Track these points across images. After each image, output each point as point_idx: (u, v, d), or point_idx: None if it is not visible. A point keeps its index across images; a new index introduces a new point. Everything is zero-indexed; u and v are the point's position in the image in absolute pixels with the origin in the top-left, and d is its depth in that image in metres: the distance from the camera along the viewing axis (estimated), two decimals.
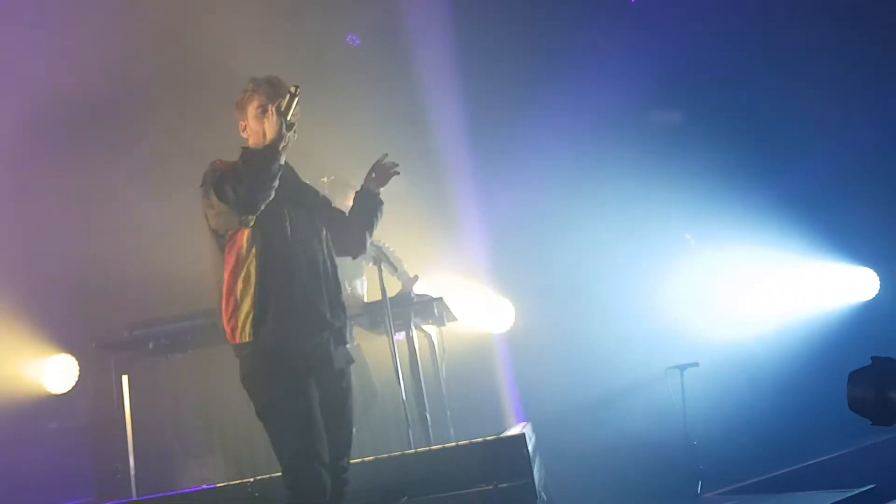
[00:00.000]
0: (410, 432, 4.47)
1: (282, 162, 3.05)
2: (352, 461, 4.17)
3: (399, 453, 4.13)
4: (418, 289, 4.98)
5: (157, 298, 5.46)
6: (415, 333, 4.92)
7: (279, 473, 4.44)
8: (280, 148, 3.02)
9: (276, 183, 3.00)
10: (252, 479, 4.06)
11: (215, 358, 5.38)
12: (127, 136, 6.17)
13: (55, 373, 6.30)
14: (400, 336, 4.86)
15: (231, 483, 4.16)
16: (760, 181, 6.29)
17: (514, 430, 4.37)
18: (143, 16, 5.80)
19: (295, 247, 3.08)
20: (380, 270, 4.71)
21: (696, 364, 5.63)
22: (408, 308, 4.86)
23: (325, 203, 3.40)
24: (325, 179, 5.00)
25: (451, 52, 6.22)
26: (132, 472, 4.65)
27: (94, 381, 5.97)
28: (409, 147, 6.28)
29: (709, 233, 6.15)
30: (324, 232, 3.26)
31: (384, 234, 4.87)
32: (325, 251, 3.21)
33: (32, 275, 5.98)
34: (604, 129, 6.25)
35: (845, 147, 6.32)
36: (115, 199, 6.00)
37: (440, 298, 4.99)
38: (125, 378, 4.82)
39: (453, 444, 4.17)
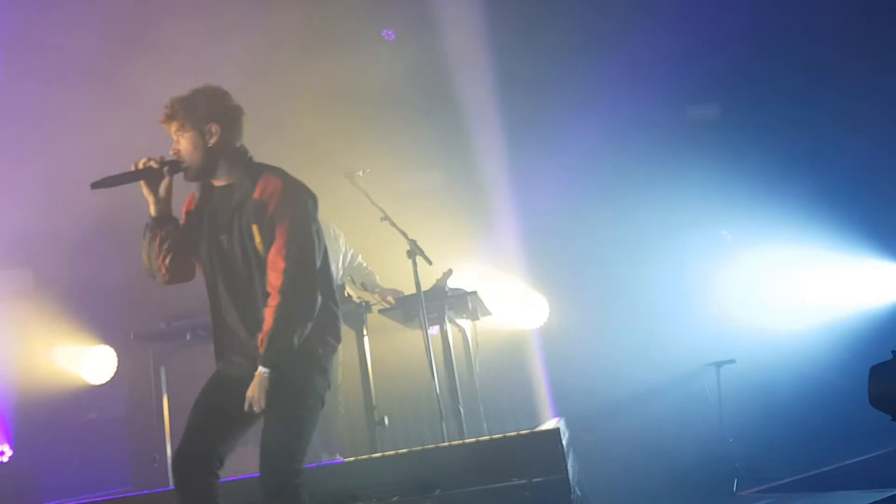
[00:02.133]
0: (444, 425, 4.48)
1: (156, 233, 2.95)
2: (386, 454, 4.24)
3: (433, 446, 4.14)
4: (452, 283, 4.99)
5: (194, 291, 5.50)
6: (448, 327, 4.94)
7: (317, 464, 4.52)
8: (153, 221, 2.95)
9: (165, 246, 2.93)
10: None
11: None
12: None
13: (95, 364, 6.42)
14: (433, 330, 4.88)
15: (250, 476, 4.18)
16: (799, 177, 6.20)
17: (548, 425, 4.35)
18: None
19: (215, 277, 2.99)
20: (414, 264, 4.72)
21: (732, 361, 5.58)
22: (442, 302, 4.87)
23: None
24: (361, 173, 5.01)
25: (486, 45, 6.21)
26: (169, 461, 4.71)
27: (132, 371, 6.06)
28: (444, 141, 6.31)
29: (746, 229, 6.07)
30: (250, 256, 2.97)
31: (418, 229, 4.89)
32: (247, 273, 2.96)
33: (74, 268, 6.07)
34: (642, 123, 6.21)
35: (883, 144, 6.22)
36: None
37: (474, 292, 4.99)
38: (162, 369, 4.89)
39: (487, 437, 4.17)
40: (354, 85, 6.01)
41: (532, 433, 3.98)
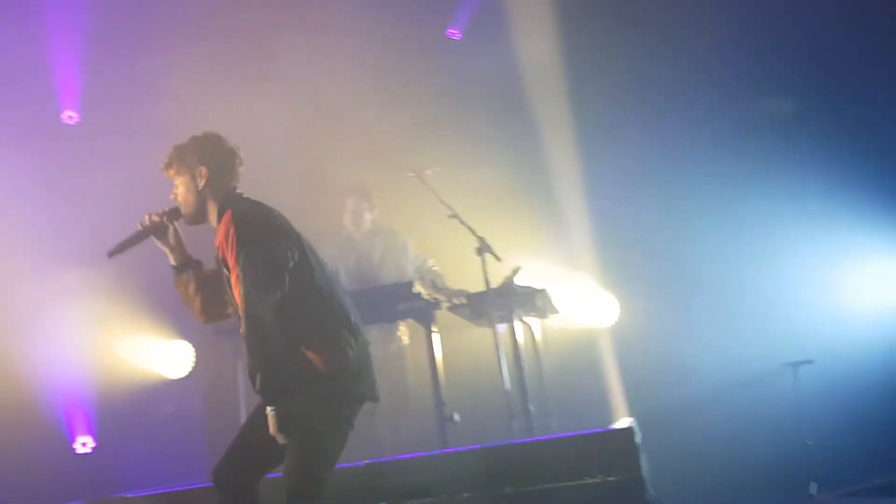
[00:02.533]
0: (514, 423, 4.48)
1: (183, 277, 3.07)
2: (457, 450, 4.27)
3: (504, 443, 4.14)
4: (521, 280, 4.98)
5: None
6: (517, 325, 4.93)
7: (391, 458, 4.57)
8: (175, 270, 3.08)
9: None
10: (363, 463, 4.16)
11: None
12: None
13: (173, 358, 6.61)
14: (501, 328, 4.88)
15: (342, 466, 4.26)
16: (881, 173, 5.99)
17: (621, 424, 4.32)
18: None
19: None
20: (483, 262, 4.74)
21: (810, 361, 5.44)
22: (510, 299, 4.87)
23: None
24: (430, 171, 5.05)
25: (557, 42, 6.18)
26: None
27: (209, 366, 6.22)
28: (513, 137, 6.30)
29: (826, 226, 5.89)
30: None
31: (487, 226, 4.90)
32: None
33: (154, 264, 6.25)
34: (717, 119, 6.09)
35: None
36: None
37: (543, 290, 4.98)
38: (239, 364, 5.00)
39: (559, 435, 4.15)
40: (425, 84, 6.06)
41: (606, 431, 3.96)
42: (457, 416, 4.56)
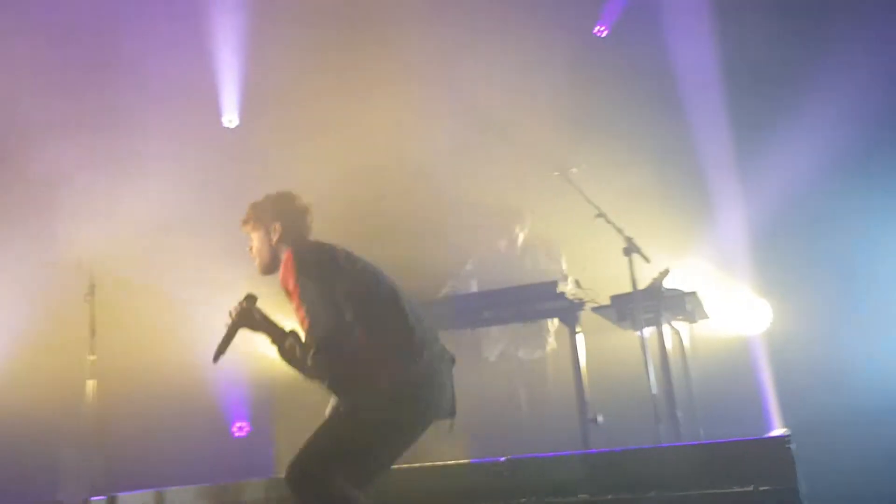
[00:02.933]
0: (660, 428, 4.38)
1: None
2: (600, 452, 4.21)
3: (650, 447, 4.05)
4: (669, 283, 4.86)
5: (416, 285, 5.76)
6: (665, 329, 4.81)
7: (532, 455, 4.57)
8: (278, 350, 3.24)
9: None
10: (504, 459, 4.18)
11: (452, 343, 5.61)
12: None
13: None
14: (646, 331, 4.78)
15: (483, 461, 4.30)
16: None
17: (775, 432, 4.13)
18: None
19: None
20: (630, 262, 4.66)
21: None
22: (658, 302, 4.75)
23: None
24: (575, 169, 5.01)
25: (709, 32, 5.99)
26: None
27: None
28: (661, 134, 6.15)
29: None
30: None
31: (634, 226, 4.82)
32: None
33: None
34: (882, 113, 5.72)
35: None
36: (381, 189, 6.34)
37: (693, 293, 4.83)
38: None
39: (709, 441, 4.02)
40: (572, 82, 6.02)
41: (759, 439, 3.79)
42: (600, 418, 4.51)
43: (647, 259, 4.68)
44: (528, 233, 5.75)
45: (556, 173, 4.98)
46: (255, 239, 3.35)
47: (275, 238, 3.31)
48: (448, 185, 5.94)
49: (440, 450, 5.59)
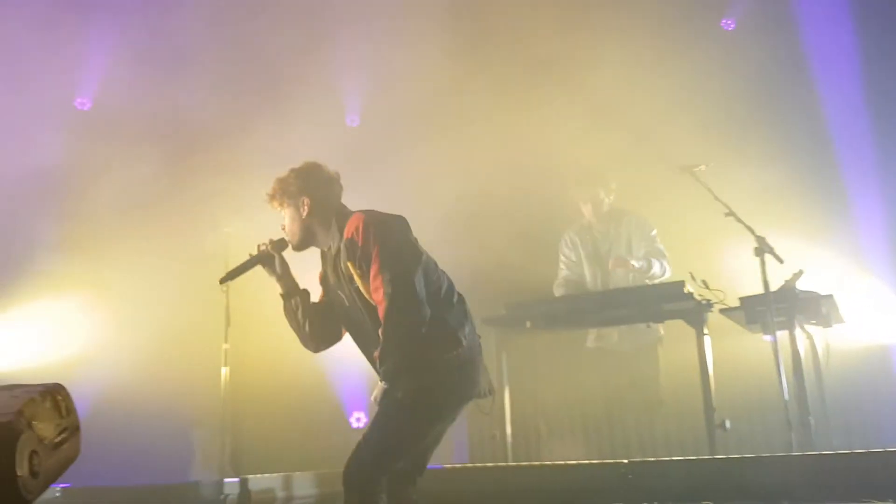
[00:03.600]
0: (793, 435, 4.21)
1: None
2: (730, 457, 4.09)
3: (781, 454, 3.91)
4: (803, 285, 4.66)
5: (535, 279, 5.76)
6: (797, 332, 4.62)
7: (653, 458, 4.49)
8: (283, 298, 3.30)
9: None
10: (626, 461, 4.12)
11: (582, 341, 5.58)
12: None
13: None
14: (771, 337, 4.60)
15: (605, 461, 4.26)
16: None
17: None
18: None
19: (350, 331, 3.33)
20: (762, 263, 4.51)
21: None
22: (791, 305, 4.56)
23: None
24: (703, 167, 4.87)
25: (846, 25, 5.70)
26: (508, 439, 4.97)
27: None
28: (795, 131, 5.92)
29: None
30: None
31: (767, 225, 4.65)
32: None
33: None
34: None
35: None
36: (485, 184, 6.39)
37: (829, 296, 4.62)
38: (504, 354, 5.15)
39: (845, 451, 3.83)
40: (694, 77, 5.86)
41: None
42: (728, 424, 4.37)
43: (779, 260, 4.50)
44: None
45: (683, 171, 4.85)
46: (286, 216, 3.27)
47: (304, 212, 3.22)
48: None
49: (562, 448, 5.61)
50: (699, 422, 4.50)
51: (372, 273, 3.00)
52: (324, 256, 3.31)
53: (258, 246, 3.33)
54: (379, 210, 3.22)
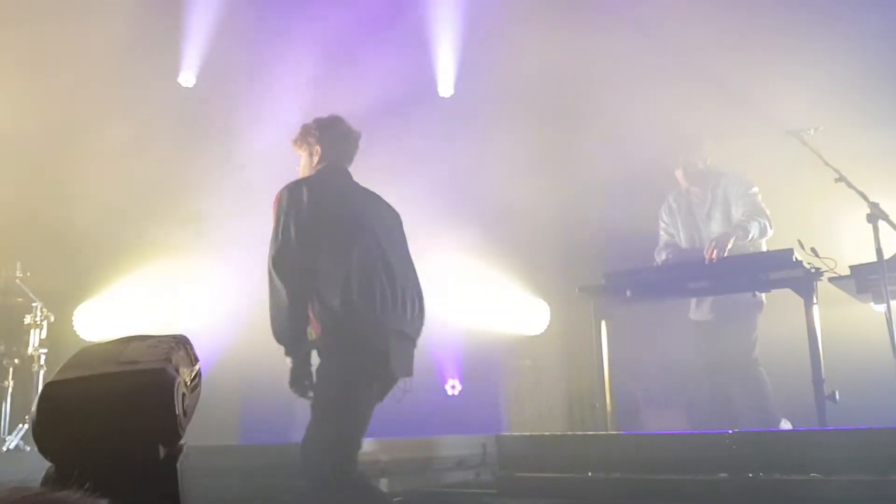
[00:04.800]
0: None
1: None
2: (840, 429, 3.99)
3: (895, 427, 3.79)
4: None
5: (634, 248, 5.70)
6: None
7: (760, 430, 4.41)
8: None
9: None
10: (731, 431, 4.07)
11: (682, 311, 5.51)
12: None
13: (531, 315, 7.02)
14: (884, 306, 4.43)
15: (708, 432, 4.22)
16: None
17: None
18: None
19: None
20: (875, 230, 4.35)
21: None
22: None
23: None
24: (812, 131, 4.71)
25: None
26: (608, 409, 4.97)
27: (567, 324, 6.48)
28: None
29: None
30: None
31: (879, 191, 4.47)
32: None
33: (519, 228, 6.67)
34: None
35: None
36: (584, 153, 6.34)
37: None
38: (603, 323, 5.14)
39: None
40: (802, 38, 5.64)
41: None
42: (837, 395, 4.26)
43: (894, 226, 4.33)
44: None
45: (790, 135, 4.70)
46: (301, 159, 3.51)
47: (315, 160, 3.45)
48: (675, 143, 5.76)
49: (662, 419, 5.58)
50: (807, 392, 4.41)
51: None
52: None
53: None
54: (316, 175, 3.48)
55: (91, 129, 6.12)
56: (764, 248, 5.15)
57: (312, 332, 3.30)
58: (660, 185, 5.71)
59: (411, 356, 3.46)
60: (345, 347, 3.25)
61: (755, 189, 5.28)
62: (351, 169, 3.62)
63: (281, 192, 3.33)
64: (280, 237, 3.23)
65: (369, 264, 3.33)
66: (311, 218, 3.26)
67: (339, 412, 3.23)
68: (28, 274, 5.59)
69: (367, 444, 4.80)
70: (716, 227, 5.30)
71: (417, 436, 5.32)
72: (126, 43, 6.15)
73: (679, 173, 5.48)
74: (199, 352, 1.21)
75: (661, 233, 5.61)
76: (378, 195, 3.65)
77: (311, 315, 3.26)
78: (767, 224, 5.14)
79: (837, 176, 4.51)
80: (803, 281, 4.46)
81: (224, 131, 6.29)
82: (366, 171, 3.65)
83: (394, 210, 3.69)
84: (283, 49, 6.51)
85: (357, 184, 3.58)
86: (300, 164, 3.54)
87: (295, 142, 3.54)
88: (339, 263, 3.26)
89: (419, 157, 6.40)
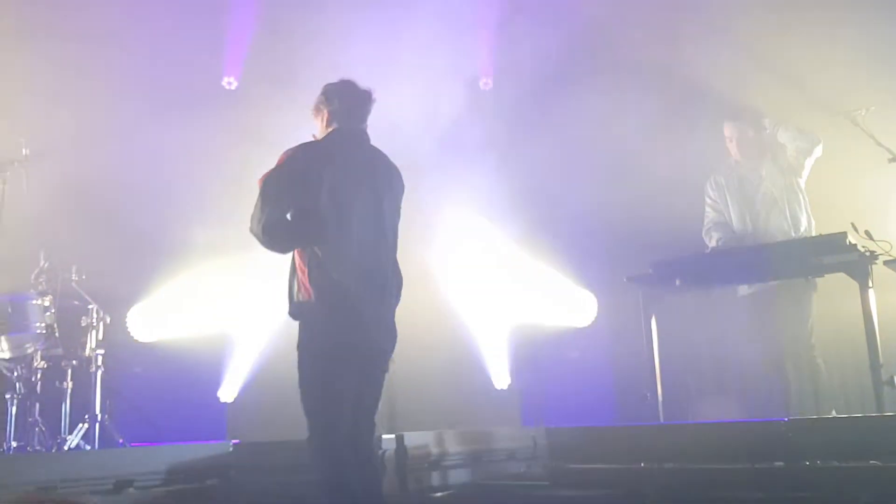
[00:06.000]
0: None
1: None
2: None
3: None
4: None
5: (676, 239, 5.62)
6: None
7: (815, 416, 4.32)
8: None
9: None
10: (785, 419, 4.01)
11: (733, 297, 5.42)
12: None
13: (579, 307, 6.98)
14: None
15: (763, 420, 4.16)
16: None
17: None
18: None
19: None
20: None
21: None
22: None
23: None
24: (864, 111, 4.59)
25: None
26: (660, 399, 4.93)
27: (616, 314, 6.42)
28: None
29: None
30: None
31: None
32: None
33: (558, 219, 6.64)
34: None
35: None
36: (624, 140, 6.26)
37: None
38: (653, 312, 5.09)
39: None
40: (854, 19, 5.50)
41: None
42: None
43: None
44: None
45: (842, 116, 4.61)
46: (317, 124, 3.52)
47: (324, 124, 3.47)
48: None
49: (715, 407, 5.51)
50: (864, 378, 4.32)
51: None
52: None
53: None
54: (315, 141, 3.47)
55: (142, 131, 6.26)
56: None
57: (301, 295, 3.30)
58: (706, 168, 5.61)
59: (395, 328, 3.43)
60: (334, 317, 3.23)
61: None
62: None
63: (283, 158, 3.35)
64: (270, 205, 3.26)
65: (366, 239, 3.36)
66: (303, 185, 3.29)
67: (320, 392, 3.21)
68: (84, 277, 5.74)
69: (419, 437, 4.85)
70: (767, 203, 5.19)
71: (468, 429, 5.34)
72: (174, 47, 6.29)
73: (733, 146, 5.36)
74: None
75: (708, 210, 5.47)
76: (387, 159, 3.61)
77: (304, 279, 3.26)
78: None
79: (891, 156, 4.42)
80: (858, 264, 4.37)
81: (270, 131, 6.38)
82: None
83: (399, 176, 3.65)
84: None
85: (368, 146, 3.56)
86: (315, 132, 3.56)
87: (313, 107, 3.58)
88: (338, 234, 3.28)
89: (463, 148, 6.42)
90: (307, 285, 3.24)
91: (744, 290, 5.27)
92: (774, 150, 5.25)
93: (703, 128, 5.71)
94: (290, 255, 3.37)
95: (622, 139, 6.03)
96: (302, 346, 3.26)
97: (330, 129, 3.49)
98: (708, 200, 5.47)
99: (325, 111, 3.51)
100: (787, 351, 5.09)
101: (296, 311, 3.31)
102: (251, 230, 3.27)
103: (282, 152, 3.36)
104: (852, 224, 4.45)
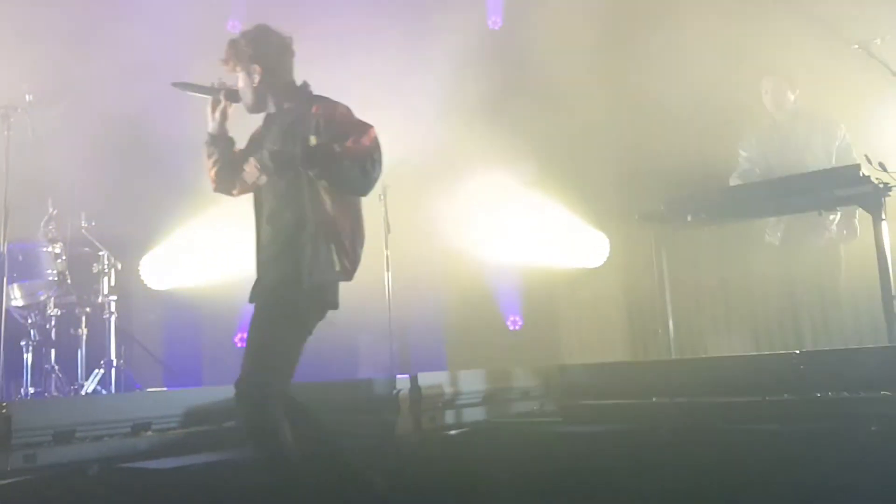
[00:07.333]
0: None
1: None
2: None
3: None
4: None
5: (688, 178, 5.56)
6: None
7: (829, 348, 4.31)
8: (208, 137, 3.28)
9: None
10: (798, 352, 4.02)
11: (744, 233, 5.38)
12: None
13: (589, 247, 6.96)
14: None
15: (774, 353, 4.17)
16: None
17: None
18: None
19: None
20: None
21: None
22: None
23: None
24: (879, 41, 4.48)
25: None
26: (671, 334, 4.94)
27: (627, 251, 6.39)
28: None
29: None
30: None
31: None
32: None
33: (571, 156, 6.57)
34: None
35: None
36: (645, 75, 6.14)
37: None
38: (664, 250, 5.08)
39: None
40: None
41: None
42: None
43: None
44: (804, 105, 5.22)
45: (856, 46, 4.50)
46: (240, 79, 3.22)
47: (256, 80, 3.18)
48: (735, 63, 5.55)
49: (727, 344, 5.52)
50: (876, 310, 4.31)
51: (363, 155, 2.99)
52: (270, 119, 3.27)
53: (224, 84, 3.28)
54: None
55: (153, 71, 6.18)
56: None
57: (346, 263, 3.15)
58: (724, 113, 5.51)
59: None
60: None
61: (846, 138, 5.05)
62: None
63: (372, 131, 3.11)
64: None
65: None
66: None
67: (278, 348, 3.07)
68: (93, 223, 5.74)
69: (433, 377, 4.91)
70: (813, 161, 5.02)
71: (481, 369, 5.38)
72: None
73: (768, 98, 5.24)
74: None
75: (742, 161, 5.34)
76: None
77: (350, 247, 3.13)
78: None
79: None
80: (871, 196, 4.31)
81: None
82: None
83: None
84: None
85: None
86: (239, 85, 3.24)
87: (227, 62, 3.22)
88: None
89: (468, 88, 6.33)
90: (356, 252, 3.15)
91: (773, 237, 5.22)
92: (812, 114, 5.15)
93: (713, 66, 5.60)
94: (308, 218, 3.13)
95: (636, 74, 5.93)
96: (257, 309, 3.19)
97: (265, 87, 3.27)
98: (743, 154, 5.35)
99: (258, 68, 3.20)
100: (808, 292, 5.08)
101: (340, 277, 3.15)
102: (374, 177, 3.04)
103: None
104: (866, 156, 4.38)
